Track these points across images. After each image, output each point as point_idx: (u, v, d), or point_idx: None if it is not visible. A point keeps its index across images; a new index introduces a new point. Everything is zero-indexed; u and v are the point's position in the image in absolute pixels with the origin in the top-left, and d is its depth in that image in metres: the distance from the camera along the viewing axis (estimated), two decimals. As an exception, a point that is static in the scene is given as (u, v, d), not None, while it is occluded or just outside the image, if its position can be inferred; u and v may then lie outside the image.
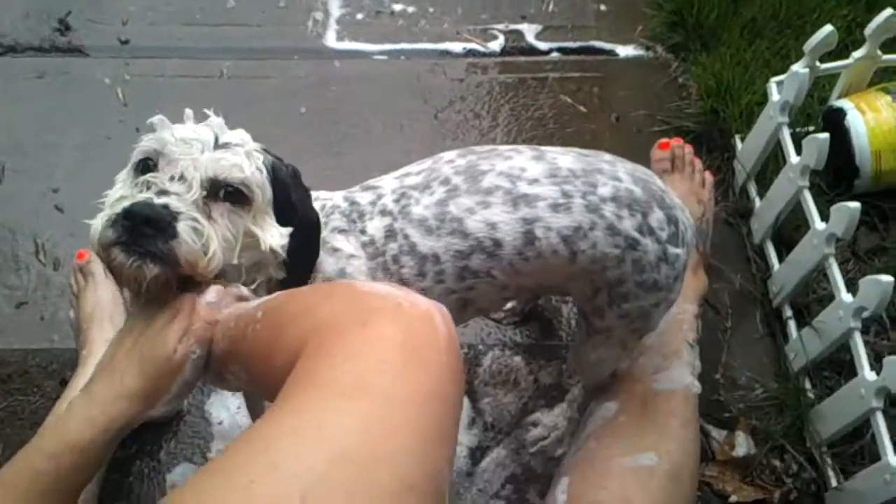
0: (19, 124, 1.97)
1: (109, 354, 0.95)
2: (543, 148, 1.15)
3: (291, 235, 1.04)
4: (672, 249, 1.13)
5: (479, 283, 1.14)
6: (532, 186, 1.09)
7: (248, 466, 0.55)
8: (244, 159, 0.98)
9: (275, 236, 1.02)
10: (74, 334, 1.61)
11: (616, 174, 1.11)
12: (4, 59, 2.07)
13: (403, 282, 1.12)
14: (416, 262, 1.12)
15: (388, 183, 1.17)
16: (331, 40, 2.17)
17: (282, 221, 1.04)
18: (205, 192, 0.95)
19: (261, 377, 0.82)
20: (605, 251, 1.09)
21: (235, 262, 0.99)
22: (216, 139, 0.99)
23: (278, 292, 0.92)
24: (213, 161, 0.96)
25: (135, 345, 0.93)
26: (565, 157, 1.12)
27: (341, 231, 1.14)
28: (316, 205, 1.15)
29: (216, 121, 1.04)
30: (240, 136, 1.03)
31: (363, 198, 1.16)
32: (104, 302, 1.58)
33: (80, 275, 1.64)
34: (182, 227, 0.91)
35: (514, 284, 1.16)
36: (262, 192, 1.00)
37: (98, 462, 0.90)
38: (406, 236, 1.11)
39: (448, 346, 0.71)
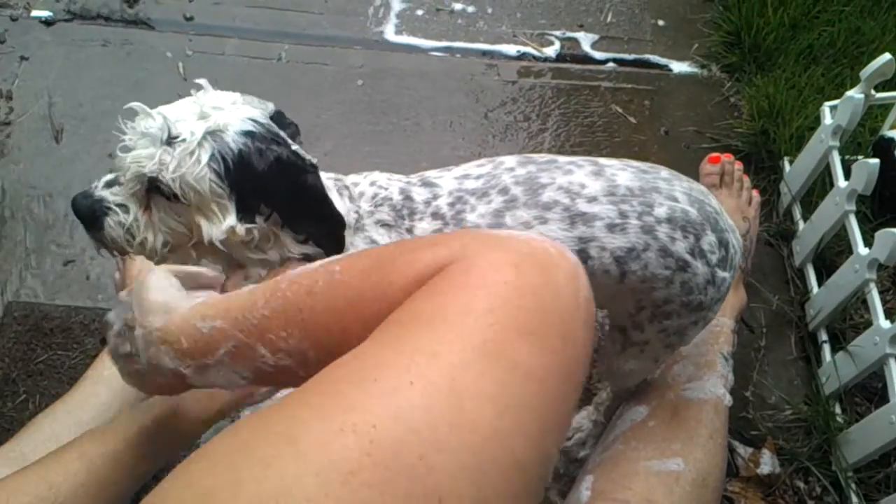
0: (80, 89, 2.01)
1: None
2: (602, 161, 1.13)
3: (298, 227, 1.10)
4: (720, 273, 1.13)
5: None
6: (591, 205, 1.07)
7: (374, 408, 0.50)
8: (183, 157, 1.00)
9: (220, 227, 1.05)
10: (117, 294, 1.64)
11: (672, 194, 1.10)
12: (71, 24, 2.12)
13: None
14: None
15: (447, 182, 1.14)
16: (389, 33, 2.19)
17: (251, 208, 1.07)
18: (144, 187, 1.05)
19: (330, 337, 0.70)
20: (655, 272, 1.09)
21: (220, 246, 1.07)
22: (168, 134, 1.01)
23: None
24: (147, 159, 1.01)
25: None
26: (624, 174, 1.10)
27: (385, 225, 1.14)
28: (369, 191, 1.16)
29: (203, 97, 1.06)
30: (197, 124, 1.02)
31: (419, 194, 1.14)
32: (149, 266, 1.61)
33: (128, 240, 1.67)
34: (108, 220, 1.07)
35: None
36: (200, 187, 1.01)
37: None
38: None
39: (587, 318, 0.62)
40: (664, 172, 1.14)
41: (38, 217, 1.82)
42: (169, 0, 2.19)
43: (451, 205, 1.11)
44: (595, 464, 1.35)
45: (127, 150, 1.04)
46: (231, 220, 1.05)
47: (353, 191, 1.17)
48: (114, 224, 1.07)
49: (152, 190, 1.04)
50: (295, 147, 1.08)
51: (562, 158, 1.14)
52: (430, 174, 1.17)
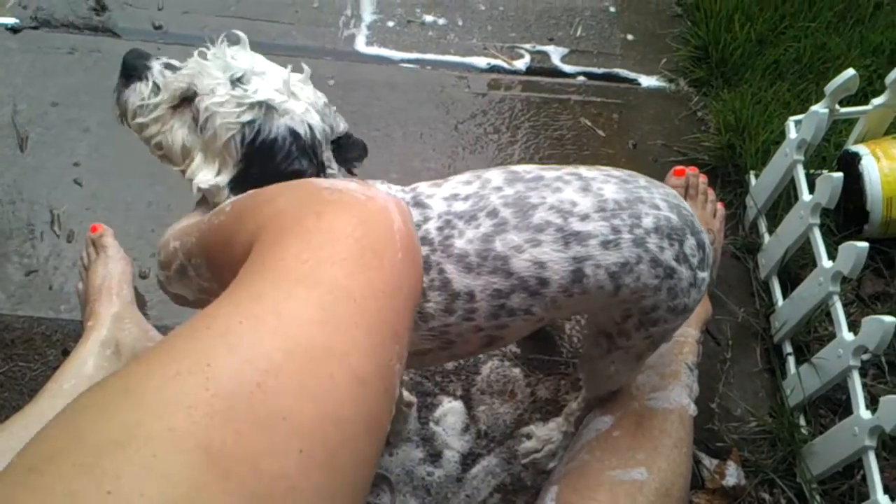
0: (46, 97, 1.99)
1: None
2: (584, 173, 1.11)
3: None
4: (700, 274, 1.13)
5: (513, 321, 1.11)
6: (584, 223, 1.05)
7: (207, 349, 0.53)
8: (230, 100, 1.01)
9: (207, 177, 1.05)
10: (81, 306, 1.63)
11: (654, 201, 1.09)
12: (38, 32, 2.10)
13: (424, 316, 1.09)
14: (446, 299, 1.07)
15: (436, 204, 1.10)
16: (360, 44, 2.19)
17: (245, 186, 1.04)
18: (185, 93, 1.06)
19: (218, 269, 0.83)
20: (646, 283, 1.09)
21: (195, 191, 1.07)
22: (242, 76, 1.02)
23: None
24: (207, 77, 1.03)
25: None
26: (609, 187, 1.08)
27: None
28: None
29: (305, 81, 1.08)
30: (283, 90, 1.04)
31: (413, 214, 1.10)
32: (113, 276, 1.59)
33: (91, 248, 1.66)
34: (137, 84, 1.07)
35: (549, 318, 1.15)
36: (220, 134, 1.02)
37: None
38: (441, 271, 1.07)
39: (405, 242, 0.70)
40: (641, 180, 1.13)
41: (0, 226, 1.79)
42: (138, 9, 2.17)
43: (440, 229, 1.07)
44: (560, 474, 1.35)
45: (204, 57, 1.05)
46: (221, 179, 1.04)
47: None
48: (137, 91, 1.07)
49: (189, 100, 1.05)
50: (332, 171, 1.08)
51: (547, 174, 1.11)
52: (423, 189, 1.13)
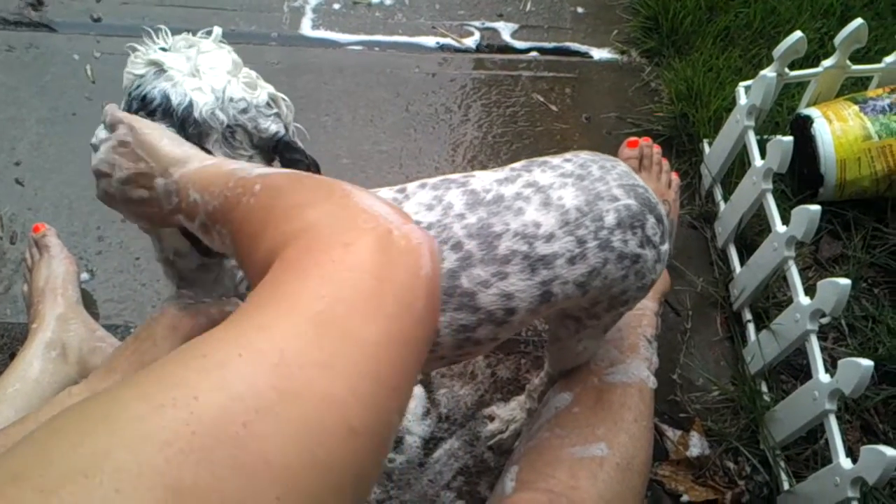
0: (-16, 96, 1.94)
1: (113, 355, 1.01)
2: (540, 180, 1.07)
3: None
4: (663, 248, 1.12)
5: (478, 348, 1.10)
6: (550, 245, 1.03)
7: (197, 381, 0.51)
8: (134, 57, 1.03)
9: None
10: (26, 308, 1.59)
11: (612, 192, 1.06)
12: (-27, 30, 2.04)
13: None
14: None
15: None
16: (306, 28, 2.15)
17: None
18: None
19: (244, 256, 0.79)
20: (614, 277, 1.08)
21: None
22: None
23: (281, 169, 0.92)
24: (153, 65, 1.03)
25: (136, 351, 0.99)
26: (567, 192, 1.05)
27: None
28: None
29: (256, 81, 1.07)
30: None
31: None
32: (57, 276, 1.56)
33: (34, 248, 1.62)
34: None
35: (511, 334, 1.13)
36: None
37: None
38: None
39: (429, 288, 0.67)
40: (594, 168, 1.09)
41: (-60, 229, 1.74)
42: (75, 2, 2.12)
43: None
44: (520, 454, 1.33)
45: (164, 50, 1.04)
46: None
47: None
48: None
49: None
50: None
51: (507, 191, 1.06)
52: None
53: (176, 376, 0.52)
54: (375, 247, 0.66)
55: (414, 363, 0.64)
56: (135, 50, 1.03)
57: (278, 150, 1.06)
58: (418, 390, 1.60)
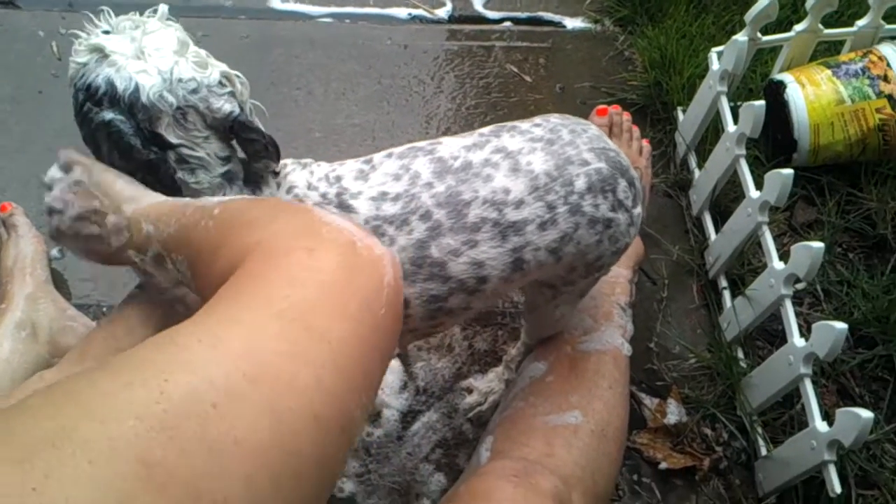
0: (-53, 75, 1.90)
1: (86, 340, 1.02)
2: (509, 145, 1.06)
3: None
4: (636, 211, 1.11)
5: (451, 318, 1.09)
6: (519, 210, 1.02)
7: (165, 364, 0.53)
8: (78, 46, 0.99)
9: None
10: (-5, 289, 1.57)
11: (581, 156, 1.05)
12: (-66, 8, 2.00)
13: None
14: None
15: (363, 206, 1.04)
16: (275, 1, 2.13)
17: None
18: None
19: (200, 277, 0.81)
20: (587, 243, 1.07)
21: None
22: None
23: (245, 196, 0.94)
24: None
25: (110, 336, 1.00)
26: (536, 157, 1.04)
27: None
28: (281, 188, 1.08)
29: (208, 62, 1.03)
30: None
31: None
32: (25, 255, 1.54)
33: (2, 228, 1.60)
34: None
35: (488, 303, 1.13)
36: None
37: None
38: None
39: (391, 298, 0.70)
40: (564, 132, 1.08)
41: None
42: (39, -23, 2.08)
43: None
44: (495, 424, 1.33)
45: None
46: None
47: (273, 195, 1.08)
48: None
49: None
50: (191, 153, 1.01)
51: (475, 157, 1.05)
52: (348, 183, 1.06)
53: (146, 360, 0.54)
54: (339, 253, 0.69)
55: (377, 368, 0.68)
56: (77, 36, 0.99)
57: (234, 131, 1.03)
58: (395, 363, 1.59)
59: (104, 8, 1.01)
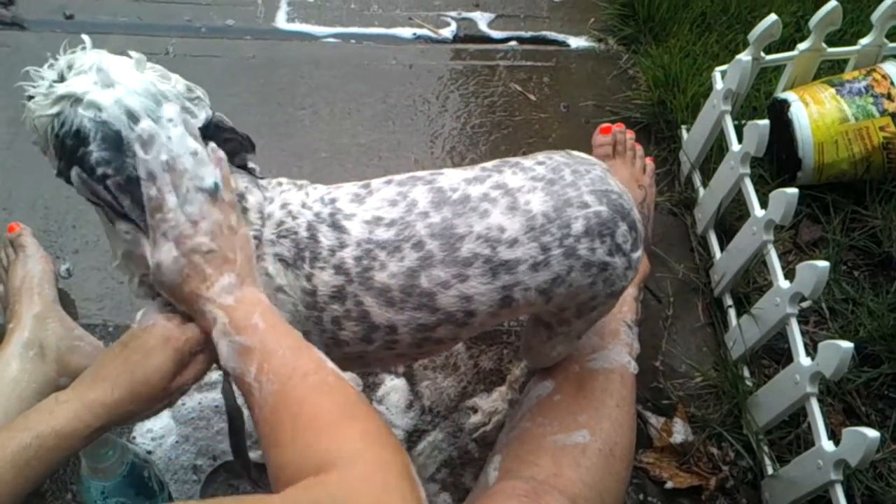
0: (-45, 96, 1.91)
1: (101, 362, 0.99)
2: (510, 182, 1.06)
3: None
4: (635, 255, 1.11)
5: (438, 347, 1.09)
6: (513, 250, 1.02)
7: None
8: (38, 101, 0.95)
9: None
10: (2, 308, 1.57)
11: (582, 199, 1.05)
12: (-58, 29, 2.02)
13: (339, 342, 1.06)
14: (364, 329, 1.05)
15: (356, 229, 1.04)
16: (281, 21, 2.14)
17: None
18: None
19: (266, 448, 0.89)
20: (580, 285, 1.07)
21: None
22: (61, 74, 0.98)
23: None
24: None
25: (125, 360, 0.97)
26: (536, 197, 1.04)
27: (283, 261, 1.04)
28: (277, 214, 1.05)
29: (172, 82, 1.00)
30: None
31: (326, 237, 1.04)
32: (32, 275, 1.54)
33: (10, 248, 1.60)
34: None
35: (474, 334, 1.13)
36: (36, 130, 0.96)
37: (77, 449, 0.94)
38: (359, 303, 1.03)
39: None
40: (567, 172, 1.07)
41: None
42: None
43: (358, 259, 1.02)
44: (502, 444, 1.33)
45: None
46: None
47: (263, 209, 1.06)
48: None
49: None
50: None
51: (474, 191, 1.05)
52: (342, 205, 1.06)
53: None
54: None
55: None
56: (30, 97, 0.96)
57: (209, 133, 1.01)
58: (401, 382, 1.59)
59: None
